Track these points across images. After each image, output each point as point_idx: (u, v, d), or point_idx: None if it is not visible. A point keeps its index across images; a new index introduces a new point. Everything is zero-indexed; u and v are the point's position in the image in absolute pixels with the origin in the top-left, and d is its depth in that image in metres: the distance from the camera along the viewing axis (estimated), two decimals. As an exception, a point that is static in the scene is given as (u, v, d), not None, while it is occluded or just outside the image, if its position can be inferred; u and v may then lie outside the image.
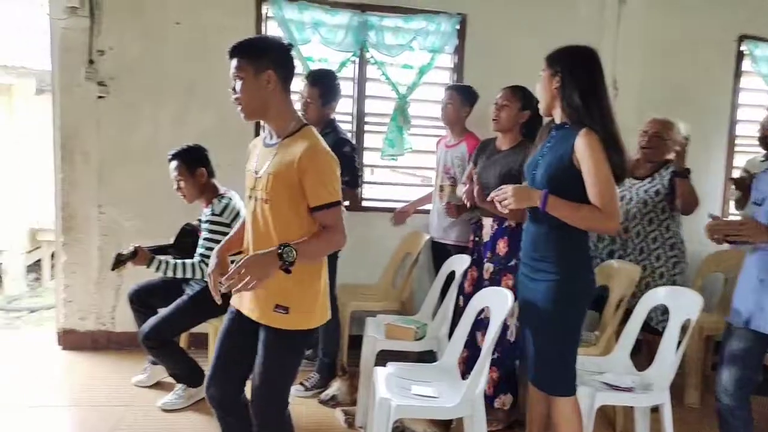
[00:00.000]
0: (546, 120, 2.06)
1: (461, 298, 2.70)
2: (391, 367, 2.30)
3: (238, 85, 1.69)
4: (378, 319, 2.84)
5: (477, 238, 2.76)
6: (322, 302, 1.82)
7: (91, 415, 2.67)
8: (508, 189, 1.87)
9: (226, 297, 2.33)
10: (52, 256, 5.59)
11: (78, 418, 2.71)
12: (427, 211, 3.37)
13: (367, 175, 3.81)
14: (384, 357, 2.56)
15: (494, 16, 3.48)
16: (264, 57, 1.69)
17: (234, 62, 1.69)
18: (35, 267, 5.93)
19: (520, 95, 2.60)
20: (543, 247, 1.92)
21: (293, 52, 1.82)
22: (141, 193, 3.33)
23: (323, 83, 2.91)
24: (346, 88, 3.39)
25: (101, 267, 3.33)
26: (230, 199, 2.74)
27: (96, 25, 3.16)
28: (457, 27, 3.44)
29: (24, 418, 2.62)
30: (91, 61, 3.18)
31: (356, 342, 2.94)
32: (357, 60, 3.44)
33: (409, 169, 4.09)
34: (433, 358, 2.59)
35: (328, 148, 1.75)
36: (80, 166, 3.30)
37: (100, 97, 3.22)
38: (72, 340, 3.41)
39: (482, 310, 2.34)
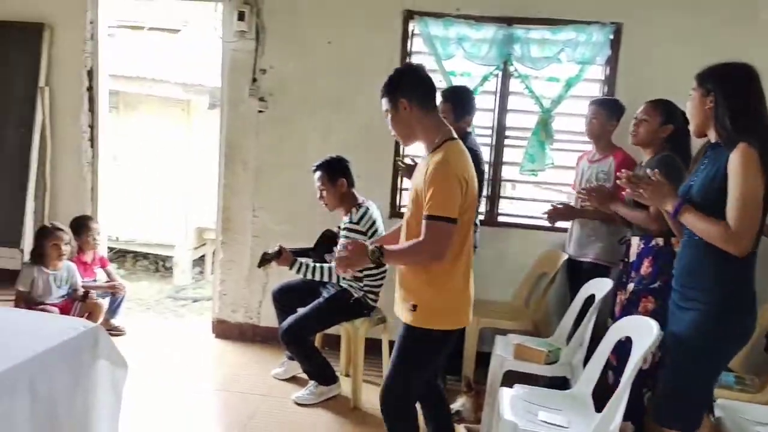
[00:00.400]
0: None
1: (608, 320, 2.53)
2: (519, 389, 2.21)
3: (389, 120, 1.91)
4: (508, 338, 2.75)
5: (626, 259, 2.58)
6: (455, 306, 1.89)
7: (233, 401, 2.91)
8: (655, 177, 1.79)
9: (359, 302, 2.46)
10: (214, 253, 6.20)
11: (222, 402, 2.97)
12: (565, 229, 3.20)
13: (507, 190, 3.72)
14: (511, 378, 2.47)
15: (654, 25, 3.22)
16: (396, 90, 1.87)
17: (382, 102, 1.92)
18: (200, 261, 6.59)
19: (662, 109, 2.49)
20: (697, 274, 1.74)
21: (427, 71, 1.96)
22: (289, 200, 3.57)
23: (454, 98, 2.95)
24: (488, 101, 3.36)
25: (252, 265, 3.62)
26: (367, 208, 2.84)
27: (260, 47, 3.47)
28: (611, 37, 3.25)
29: (178, 397, 2.92)
30: (254, 79, 3.49)
31: (484, 359, 2.87)
32: (500, 73, 3.39)
33: (553, 185, 3.92)
34: (565, 385, 2.45)
35: (459, 164, 1.78)
36: (240, 174, 3.62)
37: (260, 111, 3.53)
38: (223, 330, 3.74)
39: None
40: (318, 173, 2.89)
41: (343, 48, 3.44)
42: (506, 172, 3.52)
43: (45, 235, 3.23)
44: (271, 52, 3.49)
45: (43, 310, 3.07)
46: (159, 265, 6.67)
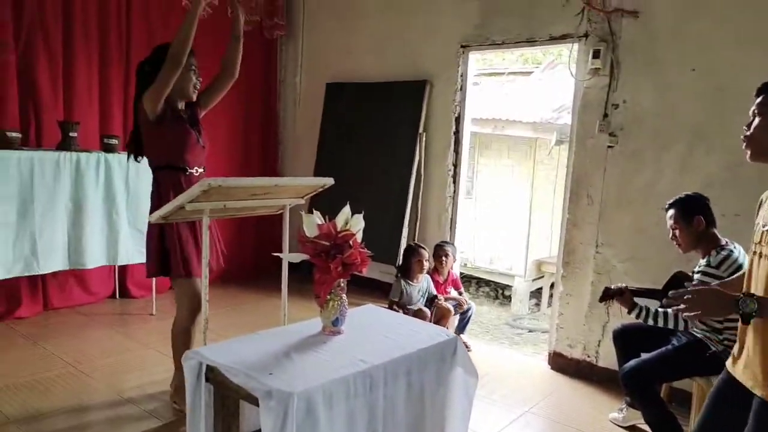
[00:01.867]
0: None
1: None
2: None
3: (756, 121, 1.58)
4: None
5: None
6: None
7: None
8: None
9: (716, 356, 2.14)
10: (551, 285, 6.29)
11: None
12: None
13: None
14: None
15: None
16: None
17: (759, 99, 1.58)
18: (536, 293, 6.79)
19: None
20: None
21: None
22: (635, 237, 3.43)
23: None
24: None
25: (592, 301, 3.59)
26: (731, 251, 2.53)
27: (614, 82, 3.47)
28: None
29: (505, 418, 3.09)
30: (605, 115, 3.51)
31: None
32: None
33: None
34: None
35: None
36: (584, 209, 3.66)
37: (609, 146, 3.51)
38: (559, 363, 3.79)
39: None
40: (671, 211, 2.71)
41: (707, 73, 3.16)
42: None
43: (411, 252, 3.88)
44: (624, 87, 3.45)
45: (414, 315, 3.66)
46: (499, 292, 7.11)
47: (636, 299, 2.76)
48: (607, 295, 2.79)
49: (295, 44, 5.59)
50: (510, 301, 6.68)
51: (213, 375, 1.87)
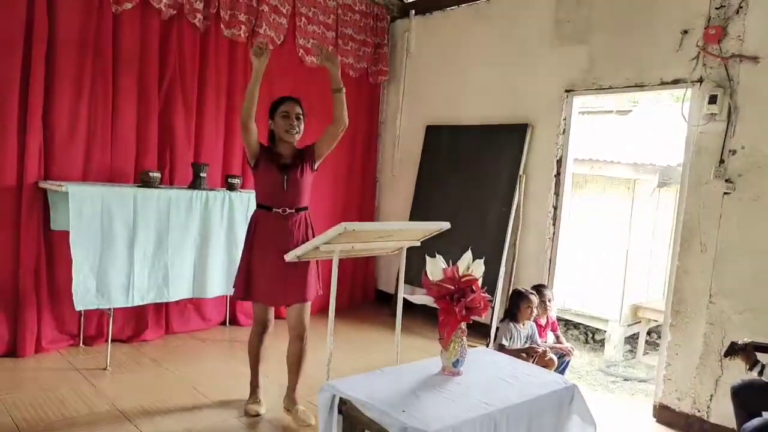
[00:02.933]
0: None
1: None
2: None
3: None
4: None
5: None
6: None
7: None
8: None
9: None
10: (648, 333, 6.05)
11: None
12: None
13: None
14: None
15: None
16: None
17: None
18: (630, 339, 6.51)
19: None
20: None
21: None
22: (755, 289, 3.28)
23: None
24: None
25: (704, 354, 3.44)
26: None
27: (731, 128, 3.39)
28: None
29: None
30: (721, 161, 3.43)
31: None
32: None
33: None
34: None
35: None
36: (696, 256, 3.54)
37: (726, 193, 3.41)
38: (666, 417, 3.63)
39: None
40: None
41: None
42: None
43: (521, 297, 3.89)
44: (742, 133, 3.36)
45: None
46: (589, 336, 6.89)
47: (759, 355, 2.65)
48: (734, 350, 2.69)
49: (397, 88, 5.84)
50: (601, 345, 6.46)
51: (345, 408, 2.00)
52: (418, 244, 2.77)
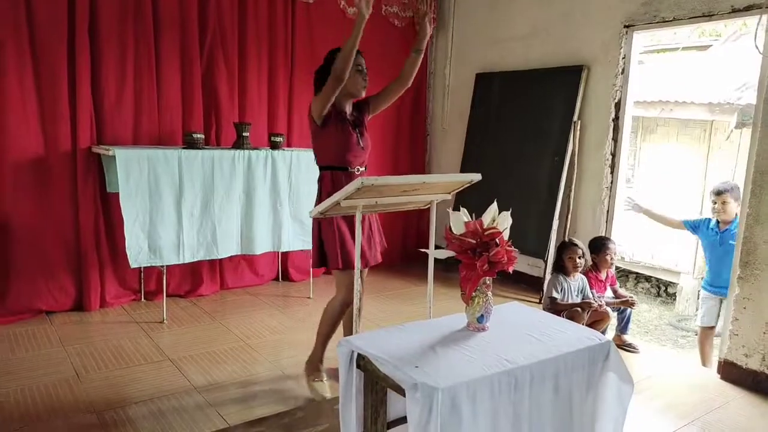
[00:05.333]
0: None
1: None
2: None
3: None
4: None
5: None
6: None
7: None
8: None
9: None
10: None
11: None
12: None
13: None
14: None
15: None
16: None
17: None
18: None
19: None
20: None
21: None
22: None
23: None
24: None
25: (776, 309, 3.17)
26: None
27: (810, 57, 3.00)
28: None
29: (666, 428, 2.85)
30: (798, 95, 3.05)
31: None
32: None
33: None
34: None
35: None
36: (767, 202, 3.22)
37: (802, 131, 3.05)
38: (731, 374, 3.40)
39: None
40: None
41: None
42: None
43: (563, 248, 3.72)
44: (825, 63, 2.96)
45: (569, 314, 3.49)
46: (660, 290, 6.56)
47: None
48: None
49: (446, 36, 5.60)
50: (674, 299, 6.14)
51: (363, 363, 1.98)
52: (449, 197, 2.67)
